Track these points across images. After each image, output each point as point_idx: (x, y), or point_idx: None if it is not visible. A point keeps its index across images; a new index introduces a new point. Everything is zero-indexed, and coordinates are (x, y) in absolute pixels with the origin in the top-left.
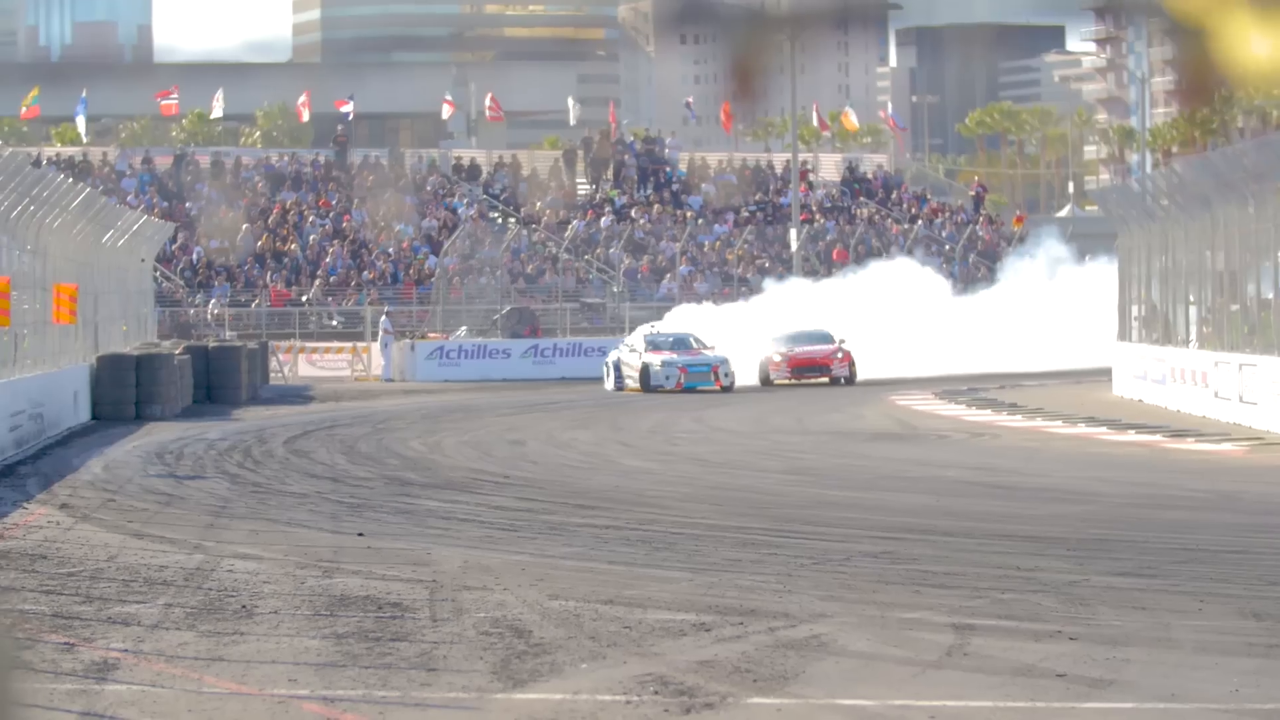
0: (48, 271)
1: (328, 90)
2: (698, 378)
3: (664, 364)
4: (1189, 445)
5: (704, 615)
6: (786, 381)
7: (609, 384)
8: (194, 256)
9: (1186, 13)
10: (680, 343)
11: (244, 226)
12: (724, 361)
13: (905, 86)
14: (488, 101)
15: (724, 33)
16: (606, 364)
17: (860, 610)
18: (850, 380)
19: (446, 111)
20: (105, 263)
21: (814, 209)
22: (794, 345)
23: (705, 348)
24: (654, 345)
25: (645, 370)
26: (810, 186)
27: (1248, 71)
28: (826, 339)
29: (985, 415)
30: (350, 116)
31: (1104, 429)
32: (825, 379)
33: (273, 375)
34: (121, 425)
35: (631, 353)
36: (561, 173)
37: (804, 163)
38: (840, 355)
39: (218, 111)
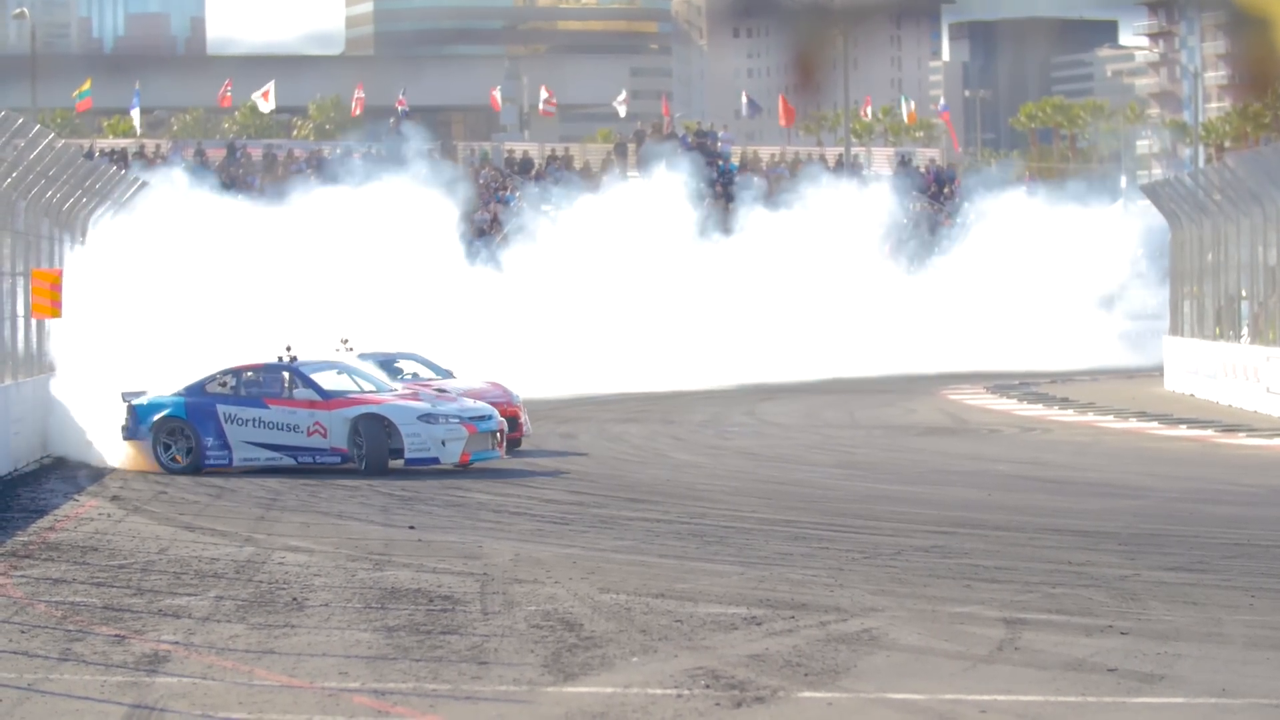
0: None
1: (380, 83)
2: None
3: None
4: (1240, 440)
5: (755, 609)
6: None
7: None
8: None
9: (1248, 3)
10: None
11: None
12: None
13: (958, 81)
14: (543, 95)
15: (784, 26)
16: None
17: (911, 604)
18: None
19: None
20: None
21: None
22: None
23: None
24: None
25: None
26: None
27: None
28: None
29: (1036, 410)
30: (404, 110)
31: (1155, 424)
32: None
33: None
34: None
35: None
36: (614, 165)
37: (856, 156)
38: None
39: (269, 104)
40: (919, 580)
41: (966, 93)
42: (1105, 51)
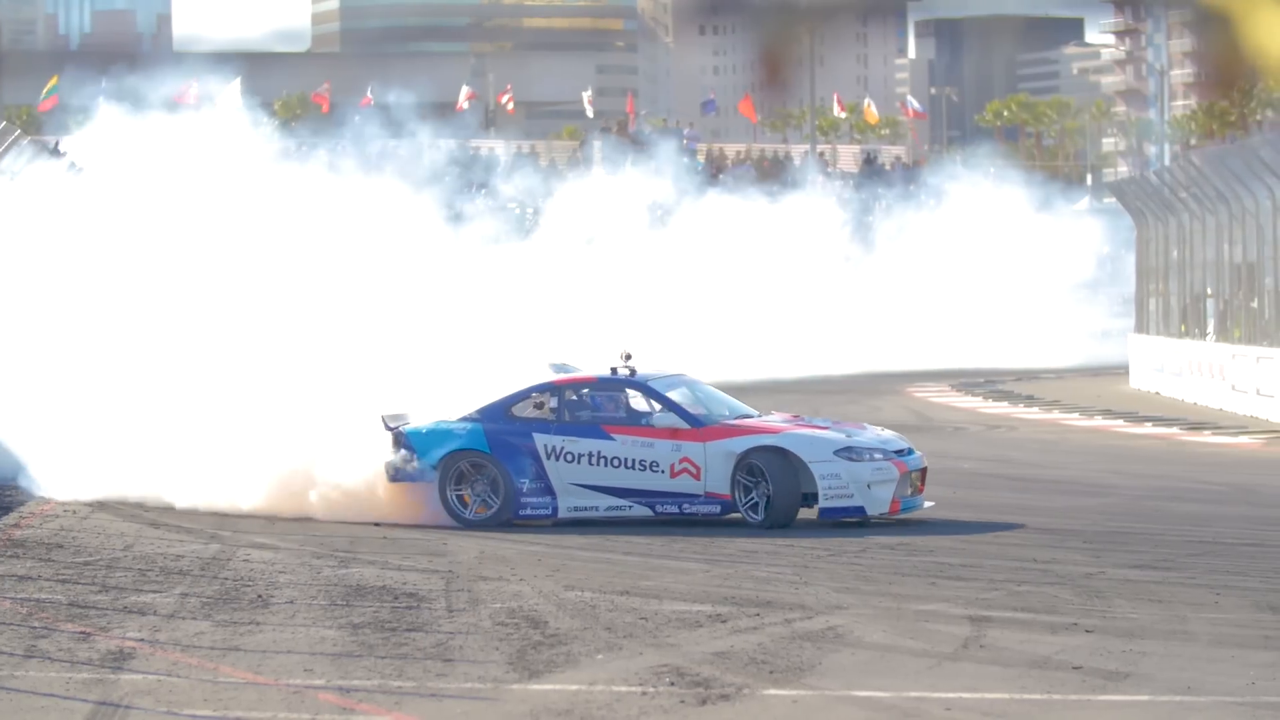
0: None
1: (346, 80)
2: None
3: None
4: (1206, 438)
5: (720, 606)
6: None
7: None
8: None
9: (1214, 2)
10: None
11: None
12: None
13: (924, 78)
14: (506, 94)
15: (751, 23)
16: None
17: (876, 602)
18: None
19: (464, 101)
20: None
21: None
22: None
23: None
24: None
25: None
26: (828, 178)
27: (1273, 61)
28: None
29: (1002, 407)
30: (368, 107)
31: (1121, 421)
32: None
33: None
34: None
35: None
36: (579, 163)
37: (822, 154)
38: None
39: (235, 101)
40: (884, 578)
41: (933, 90)
42: (1071, 49)
